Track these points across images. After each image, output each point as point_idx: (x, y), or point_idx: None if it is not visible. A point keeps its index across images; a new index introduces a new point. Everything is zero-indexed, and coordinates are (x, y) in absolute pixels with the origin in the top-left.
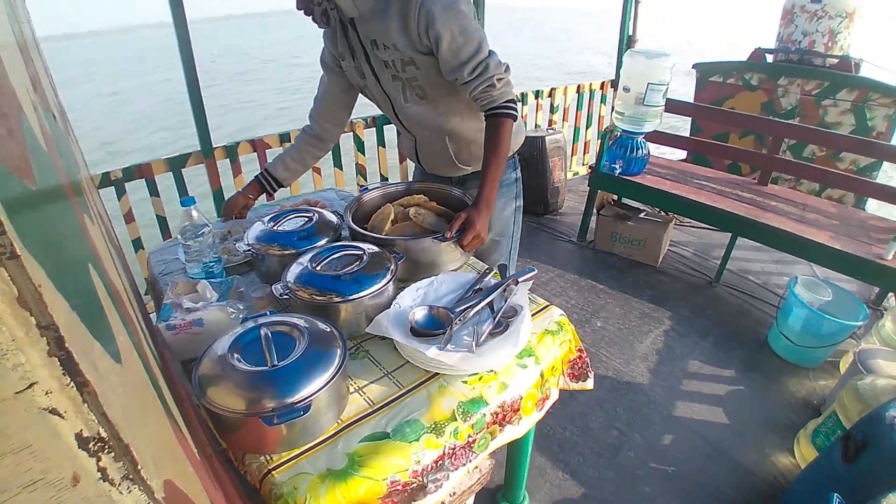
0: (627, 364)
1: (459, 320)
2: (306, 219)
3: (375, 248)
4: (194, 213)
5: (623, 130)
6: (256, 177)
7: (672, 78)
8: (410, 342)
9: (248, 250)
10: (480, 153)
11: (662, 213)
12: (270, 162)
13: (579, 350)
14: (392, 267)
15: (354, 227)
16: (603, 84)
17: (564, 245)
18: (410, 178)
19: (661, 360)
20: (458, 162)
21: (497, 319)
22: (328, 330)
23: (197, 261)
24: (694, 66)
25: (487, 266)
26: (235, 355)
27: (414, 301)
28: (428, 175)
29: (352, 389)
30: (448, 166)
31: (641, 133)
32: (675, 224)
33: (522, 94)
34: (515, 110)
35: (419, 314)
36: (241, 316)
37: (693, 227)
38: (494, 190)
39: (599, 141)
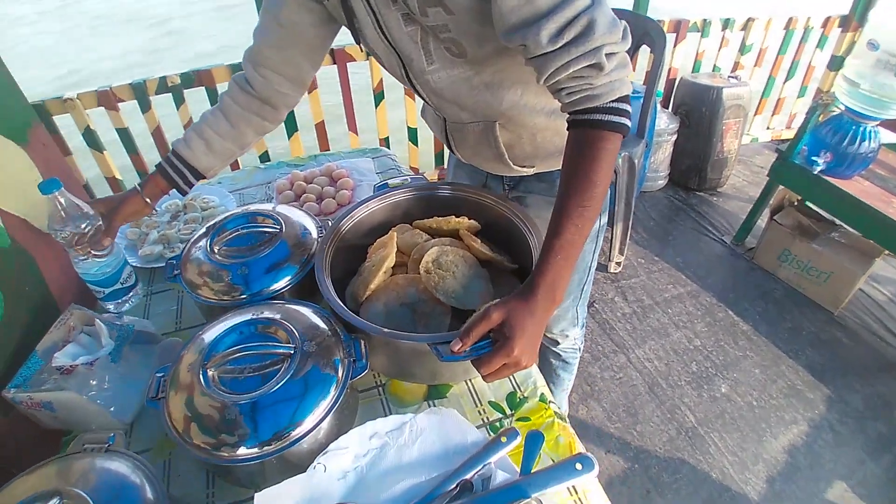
0: (743, 468)
1: None
2: (267, 235)
3: (322, 323)
4: (61, 201)
5: (848, 109)
6: (159, 166)
7: None
8: None
9: (174, 273)
10: (549, 147)
11: (869, 241)
12: (180, 138)
13: None
14: (340, 375)
15: (326, 288)
16: (826, 21)
17: (711, 245)
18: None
19: (798, 477)
20: (512, 160)
21: None
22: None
23: (87, 261)
24: None
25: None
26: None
27: (355, 468)
28: (465, 167)
29: None
30: (495, 163)
31: (877, 119)
32: (885, 255)
33: (704, 21)
34: (628, 116)
35: None
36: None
37: None
38: (566, 271)
39: (805, 114)
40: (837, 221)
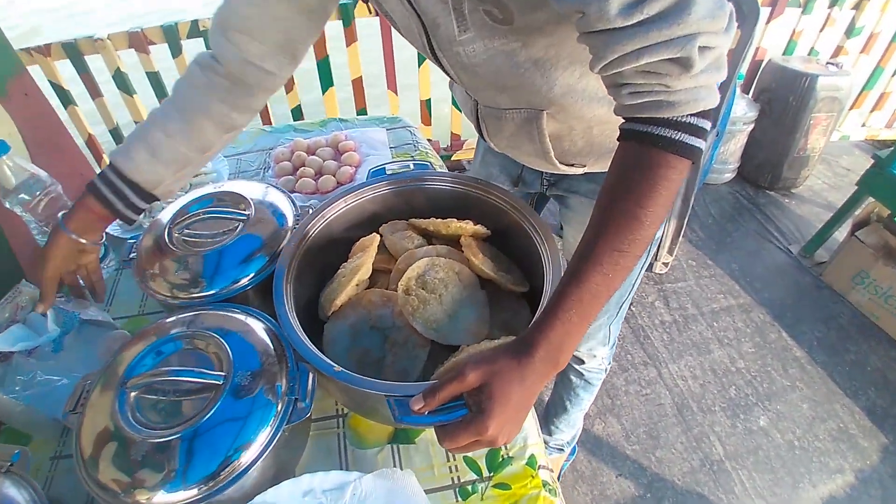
0: None
1: None
2: (234, 222)
3: (271, 344)
4: (8, 166)
5: None
6: (90, 186)
7: None
8: None
9: (129, 256)
10: (607, 143)
11: None
12: (118, 147)
13: None
14: (276, 416)
15: (281, 302)
16: None
17: (775, 254)
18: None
19: None
20: (559, 158)
21: None
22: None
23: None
24: None
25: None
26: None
27: None
28: (497, 154)
29: None
30: (535, 158)
31: None
32: None
33: None
34: (706, 137)
35: None
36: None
37: None
38: (580, 330)
39: None
40: None
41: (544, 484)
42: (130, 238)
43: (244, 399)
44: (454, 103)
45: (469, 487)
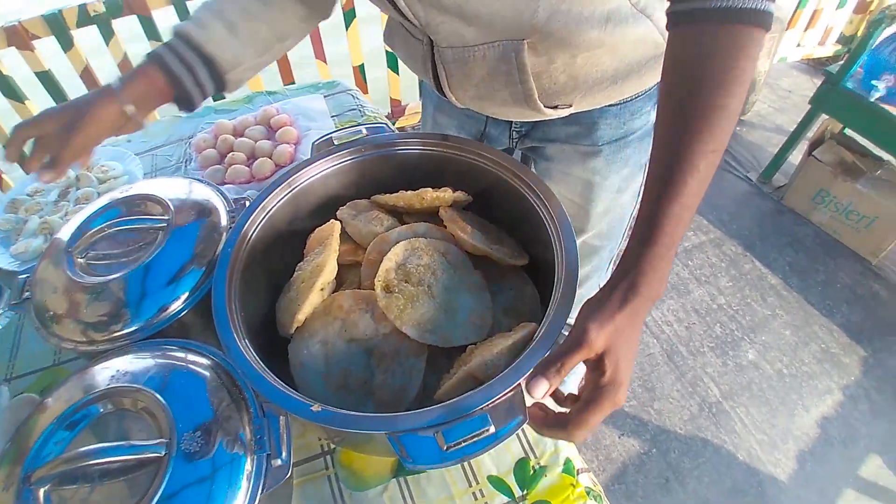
0: (772, 448)
1: None
2: (153, 234)
3: (222, 385)
4: None
5: None
6: (153, 54)
7: None
8: None
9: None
10: (593, 74)
11: None
12: (184, 22)
13: None
14: (245, 485)
15: (226, 330)
16: None
17: (735, 183)
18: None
19: (831, 454)
20: (543, 99)
21: None
22: None
23: None
24: None
25: None
26: None
27: None
28: (450, 112)
29: None
30: (512, 106)
31: None
32: None
33: None
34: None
35: None
36: None
37: None
38: (675, 249)
39: (863, 27)
40: (886, 157)
41: (588, 492)
42: (23, 273)
43: (197, 479)
44: (390, 65)
45: None
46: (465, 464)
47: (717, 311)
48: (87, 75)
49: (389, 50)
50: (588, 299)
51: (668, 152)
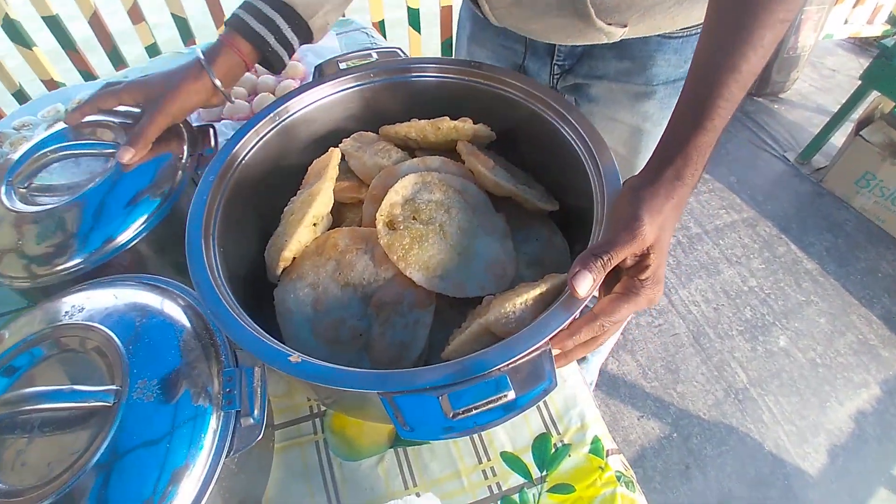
0: (801, 440)
1: None
2: (103, 161)
3: (189, 329)
4: None
5: None
6: (233, 20)
7: None
8: None
9: None
10: None
11: None
12: None
13: None
14: (209, 444)
15: (199, 267)
16: None
17: (772, 163)
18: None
19: (865, 451)
20: (597, 9)
21: None
22: None
23: None
24: None
25: None
26: None
27: None
28: (487, 39)
29: None
30: (559, 17)
31: None
32: None
33: None
34: None
35: None
36: None
37: None
38: (724, 122)
39: None
40: None
41: (619, 477)
42: None
43: (155, 418)
44: (411, 23)
45: (516, 497)
46: (475, 437)
47: (747, 294)
48: (95, 21)
49: (412, 7)
50: (630, 184)
51: (729, 19)
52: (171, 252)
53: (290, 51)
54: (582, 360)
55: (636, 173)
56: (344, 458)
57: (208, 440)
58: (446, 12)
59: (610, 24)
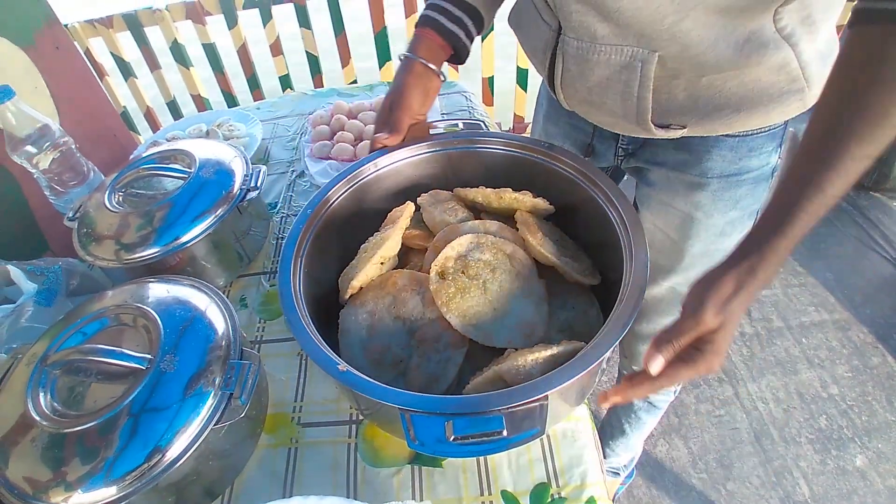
0: None
1: None
2: (178, 181)
3: (217, 327)
4: (11, 111)
5: None
6: (426, 19)
7: None
8: None
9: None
10: (716, 98)
11: None
12: None
13: None
14: (208, 405)
15: (289, 291)
16: None
17: (878, 264)
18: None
19: None
20: (655, 116)
21: None
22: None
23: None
24: None
25: None
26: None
27: None
28: (560, 118)
29: None
30: (620, 118)
31: None
32: None
33: None
34: None
35: None
36: None
37: None
38: (796, 244)
39: None
40: None
41: None
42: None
43: (169, 389)
44: (518, 81)
45: None
46: (482, 471)
47: (825, 401)
48: (242, 51)
49: (522, 67)
50: (705, 275)
51: (820, 146)
52: (208, 257)
53: (471, 41)
54: (621, 435)
55: (688, 258)
56: (368, 464)
57: (205, 410)
58: None
59: (669, 127)
